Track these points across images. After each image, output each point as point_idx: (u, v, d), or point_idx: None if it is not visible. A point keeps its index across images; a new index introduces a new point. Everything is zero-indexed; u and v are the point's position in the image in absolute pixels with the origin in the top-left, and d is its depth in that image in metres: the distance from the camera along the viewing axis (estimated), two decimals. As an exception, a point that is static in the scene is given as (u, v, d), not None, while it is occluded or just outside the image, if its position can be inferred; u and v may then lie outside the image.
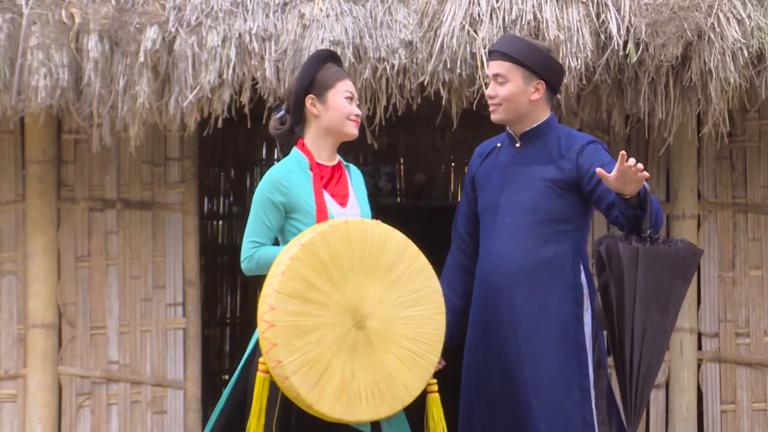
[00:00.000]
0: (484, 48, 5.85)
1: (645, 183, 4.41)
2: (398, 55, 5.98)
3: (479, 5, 5.96)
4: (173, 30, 6.04)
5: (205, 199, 9.19)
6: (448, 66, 5.90)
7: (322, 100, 4.61)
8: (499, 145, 4.87)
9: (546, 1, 5.95)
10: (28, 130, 6.57)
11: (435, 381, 4.56)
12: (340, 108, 4.61)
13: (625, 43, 5.89)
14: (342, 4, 6.10)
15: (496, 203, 4.77)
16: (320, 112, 4.61)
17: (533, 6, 5.93)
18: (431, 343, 4.46)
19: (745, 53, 5.89)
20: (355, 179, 4.77)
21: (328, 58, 4.70)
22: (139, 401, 6.64)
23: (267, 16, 6.09)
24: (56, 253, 6.61)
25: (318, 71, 4.63)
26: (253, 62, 5.99)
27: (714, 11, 5.91)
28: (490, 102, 4.78)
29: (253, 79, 6.01)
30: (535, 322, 4.63)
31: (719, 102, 5.96)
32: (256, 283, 9.63)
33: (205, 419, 7.06)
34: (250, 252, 4.54)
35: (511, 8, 5.94)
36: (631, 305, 4.42)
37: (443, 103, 6.07)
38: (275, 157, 9.66)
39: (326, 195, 4.59)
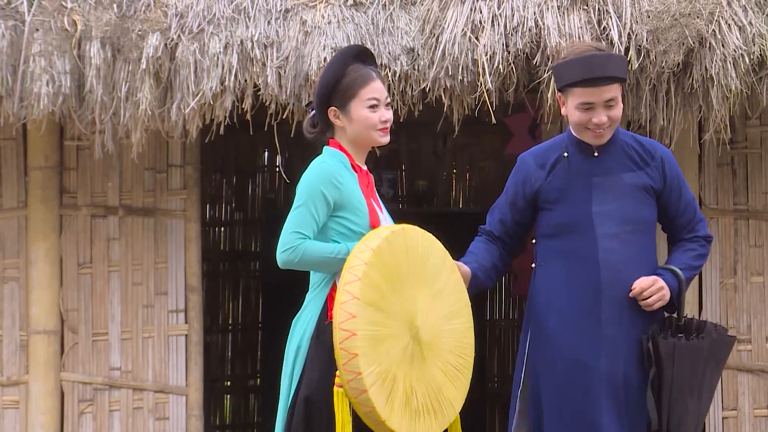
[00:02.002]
0: (486, 55, 5.86)
1: (679, 274, 4.52)
2: (400, 62, 5.98)
3: (481, 12, 5.97)
4: (175, 37, 6.05)
5: (207, 206, 9.19)
6: (450, 72, 5.90)
7: (344, 111, 4.27)
8: (566, 154, 4.60)
9: (547, 8, 5.96)
10: (31, 136, 6.57)
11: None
12: (364, 120, 4.26)
13: (627, 49, 5.90)
14: (344, 10, 6.11)
15: (588, 215, 4.54)
16: (344, 123, 4.29)
17: (535, 13, 5.94)
18: (468, 358, 4.28)
19: (747, 60, 5.89)
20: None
21: (350, 59, 4.31)
22: (141, 407, 6.64)
23: (269, 22, 6.10)
24: (58, 259, 6.61)
25: (339, 79, 4.27)
26: (255, 69, 6.00)
27: (715, 18, 5.91)
28: (598, 129, 4.51)
29: (255, 85, 6.02)
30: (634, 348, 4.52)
31: (720, 108, 5.96)
32: (257, 289, 9.64)
33: (206, 425, 7.06)
34: (295, 243, 4.20)
35: (513, 15, 5.94)
36: (668, 395, 4.48)
37: (445, 109, 6.08)
38: (277, 163, 9.67)
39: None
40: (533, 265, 4.66)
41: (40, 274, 6.57)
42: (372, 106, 4.26)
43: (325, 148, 4.34)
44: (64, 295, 6.62)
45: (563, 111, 4.57)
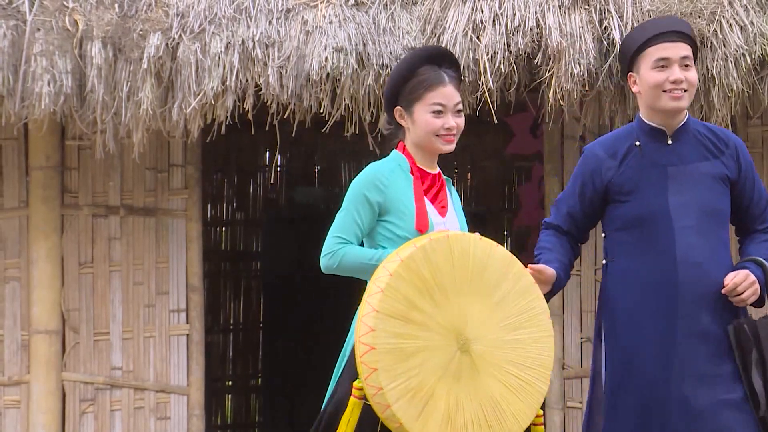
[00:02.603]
0: (487, 54, 5.85)
1: (765, 265, 4.33)
2: (401, 62, 5.98)
3: (482, 12, 5.97)
4: (176, 36, 6.05)
5: (209, 206, 9.19)
6: (451, 72, 5.90)
7: (409, 113, 4.15)
8: (637, 143, 4.40)
9: (549, 8, 5.96)
10: (32, 136, 6.58)
11: (542, 413, 4.12)
12: (426, 125, 4.13)
13: (628, 49, 5.90)
14: (345, 10, 6.11)
15: (664, 206, 4.33)
16: (408, 125, 4.17)
17: (536, 12, 5.94)
18: (540, 369, 4.05)
19: (748, 60, 5.90)
20: (454, 195, 4.37)
21: (423, 60, 4.17)
22: (143, 407, 6.65)
23: (270, 22, 6.10)
24: (60, 259, 6.62)
25: (408, 80, 4.13)
26: (256, 69, 6.00)
27: (717, 18, 5.91)
28: (675, 88, 4.27)
29: (256, 85, 6.02)
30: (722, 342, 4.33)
31: (722, 108, 5.97)
32: (258, 289, 9.65)
33: (208, 425, 7.06)
34: (335, 248, 4.11)
35: (514, 15, 5.94)
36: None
37: (446, 109, 6.07)
38: (278, 163, 9.67)
39: (426, 201, 4.18)
40: (603, 261, 4.48)
41: (41, 274, 6.57)
42: (437, 112, 4.13)
43: (393, 151, 4.24)
44: (66, 294, 6.62)
45: (635, 89, 4.38)
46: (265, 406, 9.60)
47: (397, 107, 4.16)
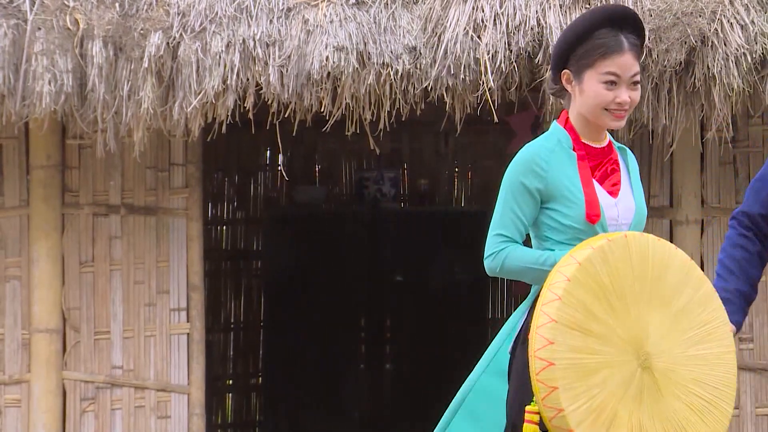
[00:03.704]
0: (488, 54, 5.85)
1: None
2: (402, 61, 5.98)
3: (483, 11, 5.97)
4: (177, 36, 6.05)
5: (209, 205, 9.19)
6: (452, 71, 5.90)
7: (578, 79, 3.65)
8: None
9: (549, 7, 5.96)
10: (33, 135, 6.57)
11: None
12: (595, 97, 3.62)
13: (629, 48, 5.89)
14: (346, 9, 6.11)
15: None
16: (575, 93, 3.67)
17: (537, 12, 5.94)
18: (724, 389, 3.63)
19: (749, 58, 5.89)
20: (631, 166, 3.81)
21: (603, 22, 3.64)
22: (143, 406, 6.65)
23: (271, 21, 6.10)
24: (60, 258, 6.61)
25: (582, 42, 3.63)
26: (257, 68, 6.00)
27: (717, 17, 5.91)
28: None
29: (257, 84, 6.02)
30: None
31: (723, 107, 5.96)
32: (259, 288, 9.65)
33: (209, 424, 7.06)
34: (497, 248, 3.64)
35: (515, 14, 5.94)
36: None
37: (447, 108, 6.08)
38: (279, 162, 9.67)
39: (594, 182, 3.68)
40: None
41: (42, 273, 6.57)
42: (609, 82, 3.62)
43: (553, 123, 3.78)
44: (66, 293, 6.62)
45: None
46: (266, 405, 9.60)
47: (565, 70, 3.69)
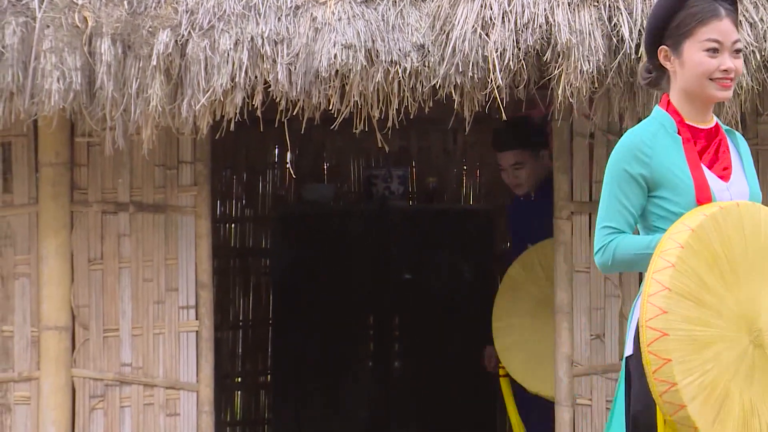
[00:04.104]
0: (496, 51, 5.85)
1: None
2: (410, 59, 5.98)
3: (491, 9, 5.97)
4: (186, 33, 6.06)
5: (218, 202, 9.20)
6: (460, 69, 5.90)
7: (677, 52, 3.51)
8: None
9: (558, 5, 5.95)
10: (41, 133, 6.59)
11: None
12: (696, 65, 3.47)
13: (638, 46, 5.89)
14: (354, 7, 6.11)
15: None
16: (676, 68, 3.53)
17: (545, 9, 5.94)
18: None
19: (758, 56, 5.89)
20: (742, 149, 3.66)
21: None
22: (152, 404, 6.66)
23: (279, 19, 6.10)
24: (69, 255, 6.62)
25: (676, 12, 3.49)
26: (265, 65, 6.00)
27: (726, 14, 5.90)
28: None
29: (266, 82, 6.02)
30: None
31: (731, 105, 5.95)
32: (267, 286, 9.66)
33: (218, 422, 7.07)
34: (605, 241, 3.47)
35: (523, 12, 5.94)
36: None
37: (455, 106, 6.07)
38: (288, 159, 9.68)
39: (703, 167, 3.53)
40: None
41: (50, 271, 6.58)
42: (711, 50, 3.48)
43: (654, 107, 3.63)
44: (75, 291, 6.63)
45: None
46: (275, 403, 9.61)
47: (662, 47, 3.55)
